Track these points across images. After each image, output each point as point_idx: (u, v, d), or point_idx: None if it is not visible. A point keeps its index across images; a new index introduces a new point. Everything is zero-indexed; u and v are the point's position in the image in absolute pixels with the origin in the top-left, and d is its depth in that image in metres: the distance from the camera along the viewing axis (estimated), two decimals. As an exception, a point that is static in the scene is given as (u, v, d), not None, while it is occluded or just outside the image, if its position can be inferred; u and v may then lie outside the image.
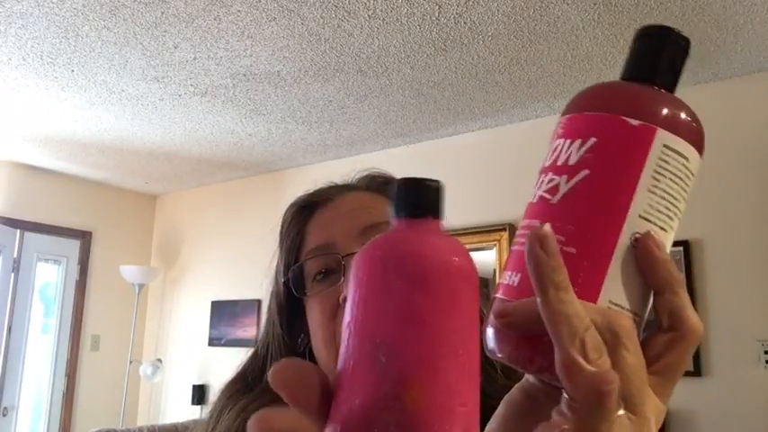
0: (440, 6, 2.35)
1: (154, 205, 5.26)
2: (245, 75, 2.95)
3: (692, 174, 0.33)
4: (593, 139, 0.32)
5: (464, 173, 3.59)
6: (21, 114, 3.49)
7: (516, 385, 0.36)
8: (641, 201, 0.32)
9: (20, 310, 4.29)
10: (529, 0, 2.31)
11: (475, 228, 3.41)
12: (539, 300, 0.29)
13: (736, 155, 2.85)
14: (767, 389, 2.65)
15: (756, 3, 2.31)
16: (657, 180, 0.32)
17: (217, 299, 4.58)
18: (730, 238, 2.82)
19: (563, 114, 0.36)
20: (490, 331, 0.33)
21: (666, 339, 0.32)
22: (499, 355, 0.33)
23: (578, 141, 0.33)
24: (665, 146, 0.32)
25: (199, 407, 4.39)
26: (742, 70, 2.86)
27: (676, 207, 0.33)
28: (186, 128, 3.65)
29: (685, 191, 0.33)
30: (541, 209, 0.33)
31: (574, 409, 0.28)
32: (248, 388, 0.67)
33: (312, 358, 0.65)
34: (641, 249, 0.31)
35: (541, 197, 0.33)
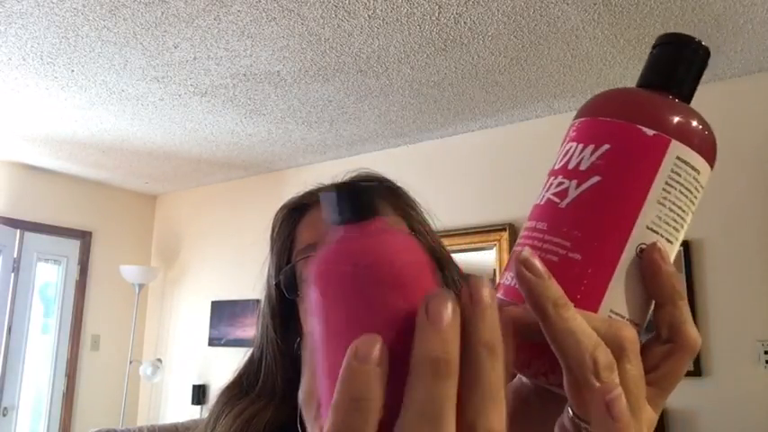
0: (440, 6, 2.35)
1: (154, 205, 5.26)
2: (245, 75, 2.95)
3: (702, 186, 0.33)
4: (606, 146, 0.32)
5: (464, 173, 3.59)
6: (21, 114, 3.49)
7: (507, 385, 0.35)
8: (650, 212, 0.31)
9: (20, 310, 4.29)
10: (529, 0, 2.31)
11: (475, 228, 3.41)
12: (540, 321, 0.29)
13: (736, 155, 2.85)
14: (767, 389, 2.65)
15: (756, 3, 2.31)
16: (668, 192, 0.32)
17: (217, 299, 4.58)
18: (730, 238, 2.82)
19: (576, 117, 0.35)
20: None
21: (664, 351, 0.32)
22: None
23: (591, 147, 0.32)
24: (677, 158, 0.32)
25: (199, 407, 4.39)
26: (742, 70, 2.86)
27: (683, 219, 0.32)
28: (186, 128, 3.65)
29: (693, 203, 0.33)
30: (548, 211, 0.33)
31: (585, 428, 0.29)
32: (244, 393, 0.67)
33: None
34: (647, 260, 0.31)
35: (549, 200, 0.33)
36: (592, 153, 0.32)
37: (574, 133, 0.34)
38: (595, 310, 0.30)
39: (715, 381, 2.75)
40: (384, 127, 3.62)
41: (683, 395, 2.79)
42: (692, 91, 0.34)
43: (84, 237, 4.76)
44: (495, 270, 3.37)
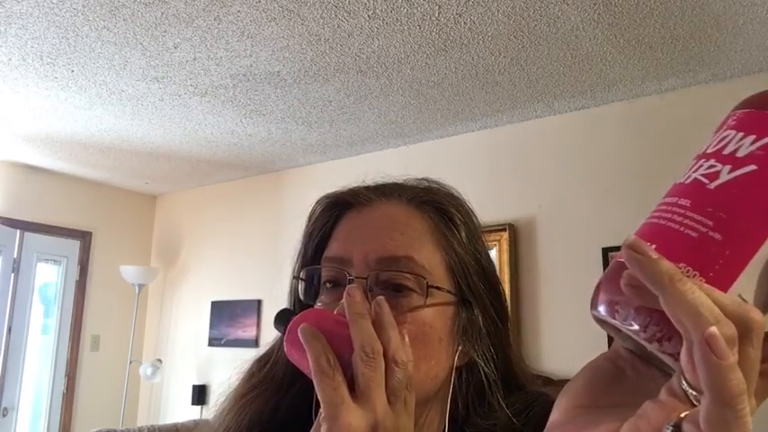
0: (440, 6, 2.35)
1: (154, 205, 5.26)
2: (245, 75, 2.95)
3: None
4: (767, 139, 0.32)
5: (464, 173, 3.59)
6: (21, 114, 3.49)
7: (602, 354, 0.38)
8: None
9: (20, 310, 4.29)
10: (529, 0, 2.31)
11: (475, 228, 3.41)
12: (659, 294, 0.29)
13: (736, 155, 2.85)
14: (767, 389, 2.65)
15: (756, 3, 2.31)
16: None
17: (217, 299, 4.58)
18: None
19: (738, 108, 0.36)
20: (606, 297, 0.33)
21: None
22: (614, 319, 0.33)
23: (752, 137, 0.32)
24: None
25: (199, 407, 4.39)
26: (742, 70, 2.86)
27: None
28: (186, 128, 3.65)
29: None
30: (694, 190, 0.33)
31: (695, 397, 0.29)
32: (253, 380, 0.68)
33: None
34: None
35: (696, 180, 0.33)
36: (752, 143, 0.32)
37: (733, 122, 0.34)
38: (725, 291, 0.31)
39: (715, 381, 2.75)
40: (384, 127, 3.62)
41: (683, 395, 2.79)
42: None
43: (84, 237, 4.76)
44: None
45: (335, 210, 0.67)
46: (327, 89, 3.09)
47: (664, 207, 0.33)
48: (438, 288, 0.60)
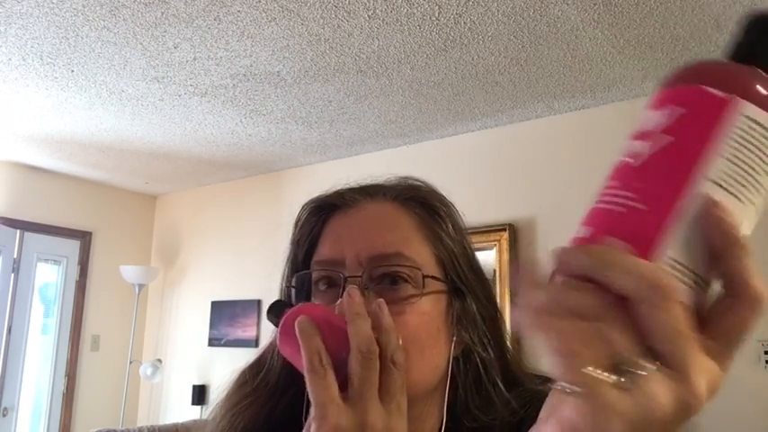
0: (440, 6, 2.35)
1: (154, 205, 5.26)
2: (245, 75, 2.95)
3: None
4: (678, 110, 0.34)
5: (464, 173, 3.59)
6: (21, 114, 3.49)
7: None
8: (714, 166, 0.32)
9: (20, 310, 4.29)
10: (529, 0, 2.31)
11: (475, 228, 3.39)
12: (599, 277, 0.31)
13: (736, 155, 2.85)
14: (767, 389, 2.65)
15: (756, 3, 2.31)
16: (733, 147, 0.32)
17: (217, 299, 4.58)
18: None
19: (657, 89, 0.37)
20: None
21: (724, 305, 0.32)
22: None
23: (667, 111, 0.34)
24: (745, 116, 0.33)
25: (199, 407, 4.39)
26: (742, 70, 2.86)
27: (754, 178, 0.33)
28: (186, 128, 3.65)
29: (766, 162, 0.33)
30: (622, 171, 0.35)
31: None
32: (246, 389, 0.68)
33: None
34: (702, 209, 0.32)
35: (624, 161, 0.35)
36: (668, 117, 0.34)
37: (651, 102, 0.36)
38: (653, 253, 0.32)
39: (715, 381, 2.75)
40: (384, 127, 3.62)
41: (683, 395, 2.80)
42: None
43: (84, 237, 4.76)
44: (494, 270, 3.37)
45: (321, 213, 0.67)
46: (327, 89, 3.09)
47: (600, 194, 0.36)
48: (432, 278, 0.61)
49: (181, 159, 4.26)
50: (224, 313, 4.52)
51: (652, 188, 0.33)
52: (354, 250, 0.61)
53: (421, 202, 0.66)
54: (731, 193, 0.33)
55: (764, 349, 2.66)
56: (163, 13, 2.41)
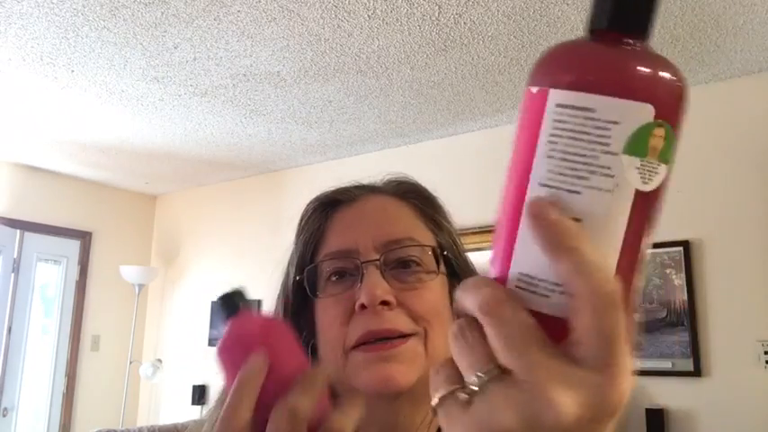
0: (440, 6, 2.35)
1: (154, 205, 5.26)
2: (245, 75, 2.95)
3: (611, 121, 0.29)
4: (518, 117, 0.32)
5: (464, 173, 3.59)
6: (21, 115, 3.49)
7: None
8: (540, 168, 0.30)
9: (20, 310, 4.29)
10: (529, 0, 2.31)
11: (474, 228, 3.40)
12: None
13: (736, 155, 2.85)
14: (767, 389, 2.65)
15: (756, 3, 2.31)
16: (554, 143, 0.30)
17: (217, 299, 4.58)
18: (730, 238, 2.82)
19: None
20: None
21: (572, 309, 0.29)
22: None
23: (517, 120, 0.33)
24: (557, 105, 0.30)
25: (199, 407, 4.39)
26: (742, 70, 2.86)
27: (590, 164, 0.30)
28: (186, 128, 3.65)
29: (601, 144, 0.29)
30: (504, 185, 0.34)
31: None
32: None
33: (313, 356, 0.65)
34: (525, 216, 0.30)
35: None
36: (515, 128, 0.33)
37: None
38: (506, 275, 0.31)
39: (715, 381, 2.75)
40: (384, 127, 3.62)
41: (683, 395, 2.79)
42: (646, 23, 0.31)
43: (84, 237, 4.76)
44: (495, 270, 3.37)
45: (326, 209, 0.69)
46: (327, 89, 3.09)
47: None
48: (442, 258, 0.65)
49: (181, 159, 4.26)
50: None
51: (503, 206, 0.32)
52: (368, 237, 0.63)
53: (417, 194, 0.70)
54: (567, 190, 0.30)
55: (764, 349, 2.66)
56: (163, 13, 2.41)
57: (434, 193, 0.73)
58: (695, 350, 2.80)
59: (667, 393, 2.82)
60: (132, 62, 2.83)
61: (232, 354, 0.41)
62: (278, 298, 0.70)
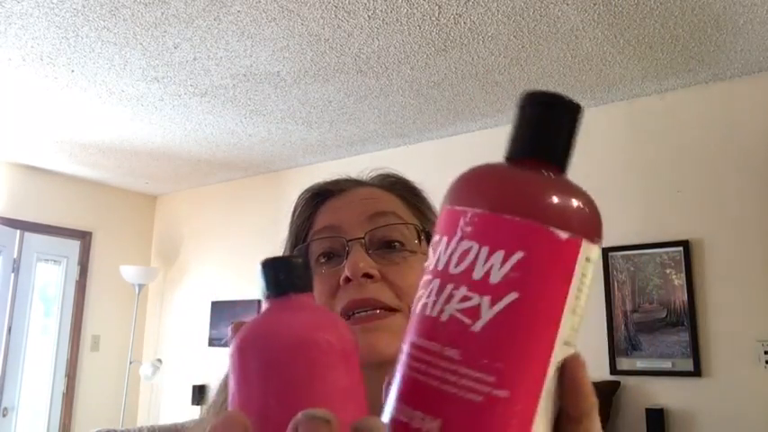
0: (440, 6, 2.35)
1: (154, 205, 5.26)
2: (245, 75, 2.95)
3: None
4: (519, 254, 0.28)
5: (464, 173, 3.59)
6: (20, 115, 3.49)
7: None
8: (566, 325, 0.28)
9: (20, 310, 4.29)
10: (529, 0, 2.31)
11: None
12: None
13: (736, 155, 2.85)
14: (767, 389, 2.65)
15: (756, 3, 2.31)
16: (578, 299, 0.29)
17: (217, 299, 4.58)
18: (730, 238, 2.82)
19: (462, 204, 0.31)
20: None
21: None
22: None
23: (501, 253, 0.28)
24: (586, 259, 0.29)
25: (199, 407, 4.39)
26: (742, 70, 2.86)
27: (582, 317, 0.29)
28: (186, 128, 3.65)
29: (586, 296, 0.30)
30: (458, 335, 0.28)
31: None
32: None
33: None
34: (570, 378, 0.29)
35: (456, 319, 0.28)
36: (503, 262, 0.28)
37: (469, 229, 0.29)
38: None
39: (715, 381, 2.75)
40: (384, 127, 3.62)
41: (683, 395, 2.79)
42: (569, 159, 0.31)
43: (84, 237, 4.76)
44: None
45: (316, 200, 0.71)
46: (327, 89, 3.09)
47: (427, 358, 0.28)
48: (426, 238, 0.65)
49: (181, 159, 4.26)
50: (224, 313, 4.52)
51: (512, 369, 0.27)
52: (352, 215, 0.65)
53: (403, 186, 0.73)
54: (573, 345, 0.29)
55: (764, 349, 2.66)
56: (163, 13, 2.41)
57: (420, 186, 0.75)
58: (695, 350, 2.80)
59: (667, 393, 2.82)
60: (132, 62, 2.83)
61: (278, 362, 0.29)
62: None
